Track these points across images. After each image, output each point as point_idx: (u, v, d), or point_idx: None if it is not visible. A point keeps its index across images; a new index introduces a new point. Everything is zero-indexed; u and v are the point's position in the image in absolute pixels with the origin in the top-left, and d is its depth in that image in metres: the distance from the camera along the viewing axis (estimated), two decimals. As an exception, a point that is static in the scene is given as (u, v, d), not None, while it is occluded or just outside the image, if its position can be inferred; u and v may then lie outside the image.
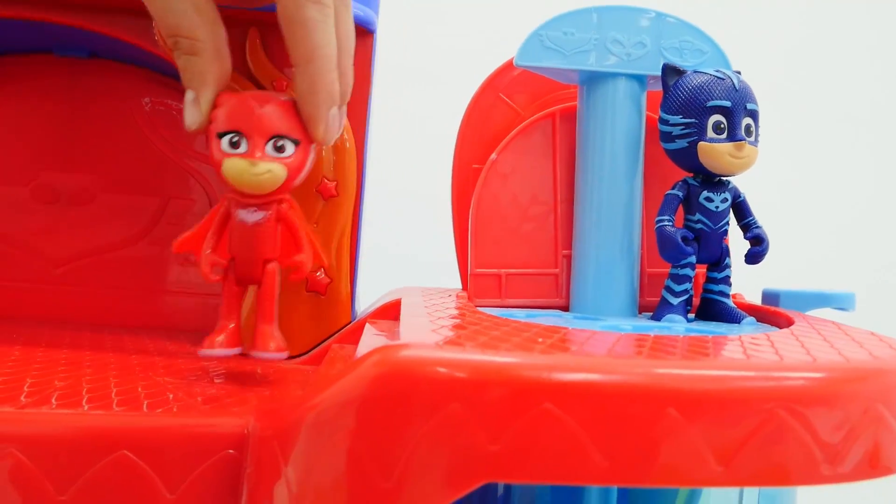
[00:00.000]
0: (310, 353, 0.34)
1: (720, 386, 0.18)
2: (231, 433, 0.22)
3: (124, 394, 0.24)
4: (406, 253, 0.60)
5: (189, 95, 0.26)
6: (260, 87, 0.34)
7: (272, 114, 0.26)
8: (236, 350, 0.27)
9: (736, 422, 0.18)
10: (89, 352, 0.31)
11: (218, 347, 0.27)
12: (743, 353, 0.21)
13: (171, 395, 0.25)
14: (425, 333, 0.22)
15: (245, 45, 0.34)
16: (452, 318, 0.26)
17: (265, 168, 0.25)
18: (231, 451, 0.22)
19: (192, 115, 0.26)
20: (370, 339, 0.27)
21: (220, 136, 0.26)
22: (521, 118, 0.37)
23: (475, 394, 0.18)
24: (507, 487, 0.30)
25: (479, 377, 0.18)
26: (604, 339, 0.23)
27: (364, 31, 0.34)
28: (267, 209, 0.27)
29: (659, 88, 0.32)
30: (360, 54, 0.35)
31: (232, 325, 0.27)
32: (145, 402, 0.24)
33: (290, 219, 0.27)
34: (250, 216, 0.27)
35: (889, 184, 0.69)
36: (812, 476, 0.19)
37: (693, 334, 0.25)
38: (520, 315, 0.30)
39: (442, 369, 0.18)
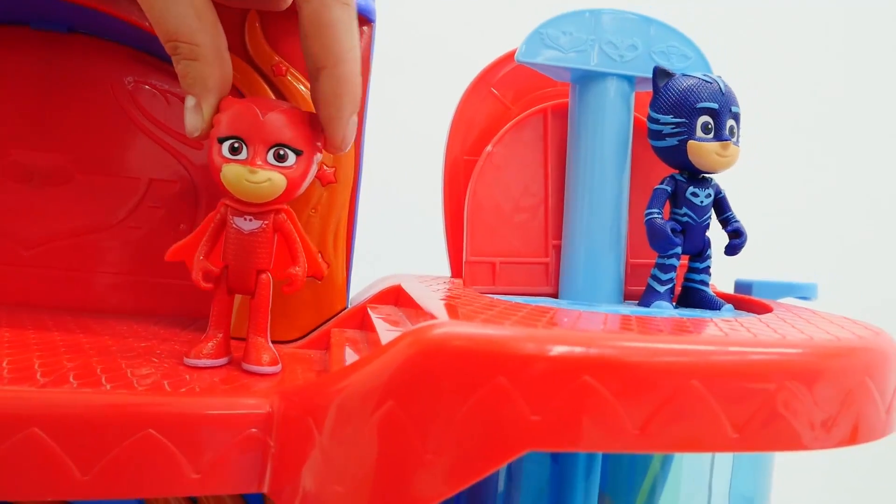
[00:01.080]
0: (307, 338, 0.34)
1: (739, 359, 0.20)
2: (256, 413, 0.23)
3: (141, 375, 0.24)
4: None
5: (190, 101, 0.26)
6: (259, 70, 0.34)
7: (276, 121, 0.25)
8: (224, 360, 0.27)
9: (750, 392, 0.20)
10: (83, 335, 0.30)
11: (205, 358, 0.26)
12: (748, 332, 0.23)
13: (188, 377, 0.25)
14: (455, 314, 0.23)
15: (244, 28, 0.33)
16: (467, 301, 0.27)
17: (265, 176, 0.25)
18: (254, 430, 0.23)
19: (195, 121, 0.26)
20: (384, 324, 0.27)
21: (221, 140, 0.25)
22: (511, 113, 0.39)
23: (519, 368, 0.19)
24: (508, 481, 0.31)
25: (523, 352, 0.19)
26: (620, 321, 0.24)
27: (364, 20, 0.35)
28: (264, 218, 0.26)
29: (646, 89, 0.34)
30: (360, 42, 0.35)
31: (220, 336, 0.27)
32: (166, 382, 0.24)
33: (287, 229, 0.27)
34: (246, 224, 0.26)
35: (851, 178, 0.75)
36: (809, 442, 0.21)
37: (690, 317, 0.27)
38: (517, 301, 0.31)
39: (488, 345, 0.19)
